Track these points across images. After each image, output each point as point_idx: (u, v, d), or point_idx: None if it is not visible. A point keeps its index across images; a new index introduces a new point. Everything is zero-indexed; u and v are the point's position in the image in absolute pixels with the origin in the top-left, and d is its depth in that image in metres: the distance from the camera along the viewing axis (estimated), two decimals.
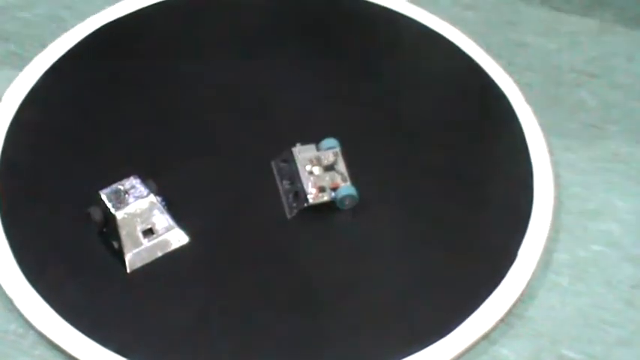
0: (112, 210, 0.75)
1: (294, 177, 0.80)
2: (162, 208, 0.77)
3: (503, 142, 0.85)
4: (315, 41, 0.92)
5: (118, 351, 0.72)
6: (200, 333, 0.74)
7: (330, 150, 0.81)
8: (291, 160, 0.81)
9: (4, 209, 0.79)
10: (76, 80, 0.88)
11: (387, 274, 0.77)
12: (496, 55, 0.91)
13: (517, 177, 0.83)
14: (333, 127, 0.84)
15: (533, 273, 0.78)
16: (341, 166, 0.81)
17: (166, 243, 0.78)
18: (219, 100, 0.87)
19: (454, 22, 0.93)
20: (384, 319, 0.75)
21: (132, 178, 0.78)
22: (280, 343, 0.73)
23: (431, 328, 0.74)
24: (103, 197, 0.76)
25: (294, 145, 0.81)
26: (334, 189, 0.80)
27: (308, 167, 0.80)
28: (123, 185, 0.77)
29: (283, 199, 0.80)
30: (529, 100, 0.88)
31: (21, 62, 0.89)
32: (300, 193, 0.80)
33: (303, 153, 0.81)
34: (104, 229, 0.77)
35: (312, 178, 0.80)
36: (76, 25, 0.92)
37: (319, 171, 0.80)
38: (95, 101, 0.86)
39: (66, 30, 0.91)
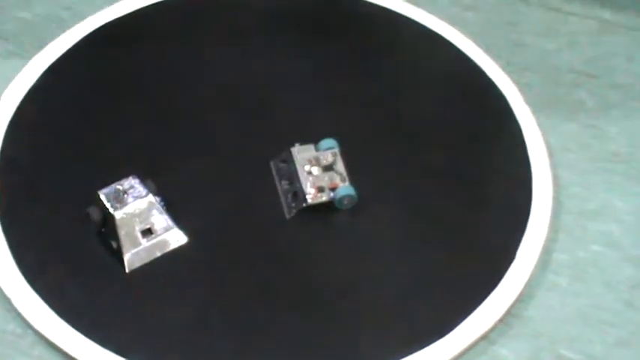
0: (111, 210, 0.75)
1: (292, 177, 0.80)
2: (161, 208, 0.77)
3: (502, 143, 0.85)
4: (314, 41, 0.92)
5: (117, 351, 0.72)
6: (199, 333, 0.74)
7: (329, 150, 0.81)
8: (290, 161, 0.81)
9: (3, 209, 0.79)
10: (75, 80, 0.88)
11: (385, 274, 0.77)
12: (495, 56, 0.91)
13: (516, 177, 0.83)
14: (332, 127, 0.84)
15: (532, 273, 0.78)
16: (340, 166, 0.81)
17: (165, 243, 0.77)
18: (218, 100, 0.87)
19: (453, 22, 0.93)
20: (383, 319, 0.75)
21: (131, 178, 0.78)
22: (280, 343, 0.73)
23: (430, 328, 0.74)
24: (102, 197, 0.76)
25: (293, 145, 0.81)
26: (333, 189, 0.80)
27: (307, 167, 0.80)
28: (122, 185, 0.77)
29: (282, 199, 0.80)
30: (528, 101, 0.88)
31: (20, 62, 0.89)
32: (298, 193, 0.80)
33: (302, 153, 0.81)
34: (103, 229, 0.77)
35: (310, 178, 0.80)
36: (75, 25, 0.92)
37: (318, 171, 0.80)
38: (94, 101, 0.86)
39: (65, 30, 0.92)
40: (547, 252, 0.80)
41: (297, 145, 0.81)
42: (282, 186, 0.81)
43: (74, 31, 0.91)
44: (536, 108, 0.88)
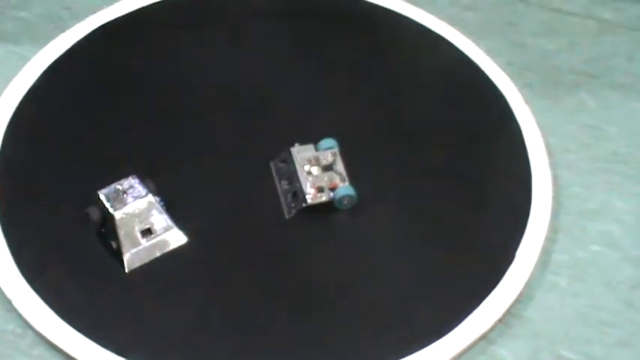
0: (111, 210, 0.75)
1: (292, 177, 0.80)
2: (160, 208, 0.77)
3: (501, 143, 0.85)
4: (313, 41, 0.92)
5: (117, 351, 0.72)
6: (199, 333, 0.74)
7: (329, 150, 0.81)
8: (289, 161, 0.81)
9: (3, 209, 0.79)
10: (75, 80, 0.88)
11: (385, 274, 0.77)
12: (495, 56, 0.91)
13: (516, 177, 0.83)
14: (332, 127, 0.84)
15: (532, 273, 0.78)
16: (339, 166, 0.81)
17: (165, 243, 0.77)
18: (217, 100, 0.87)
19: (453, 22, 0.93)
20: (382, 319, 0.75)
21: (130, 178, 0.78)
22: (280, 343, 0.73)
23: (429, 328, 0.74)
24: (102, 197, 0.76)
25: (292, 145, 0.81)
26: (333, 189, 0.80)
27: (306, 167, 0.80)
28: (121, 185, 0.77)
29: (282, 199, 0.80)
30: (528, 101, 0.88)
31: (20, 62, 0.89)
32: (298, 193, 0.80)
33: (301, 153, 0.81)
34: (102, 229, 0.77)
35: (310, 178, 0.80)
36: (74, 24, 0.92)
37: (318, 171, 0.80)
38: (94, 101, 0.86)
39: (65, 30, 0.91)
40: (547, 252, 0.80)
41: (296, 145, 0.81)
42: (281, 186, 0.81)
43: (74, 30, 0.91)
44: (536, 108, 0.88)
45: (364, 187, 0.80)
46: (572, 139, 0.87)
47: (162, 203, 0.78)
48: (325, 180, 0.80)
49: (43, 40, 0.91)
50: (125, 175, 0.78)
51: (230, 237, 0.79)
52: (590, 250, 0.80)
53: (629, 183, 0.84)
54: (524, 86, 0.89)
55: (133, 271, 0.76)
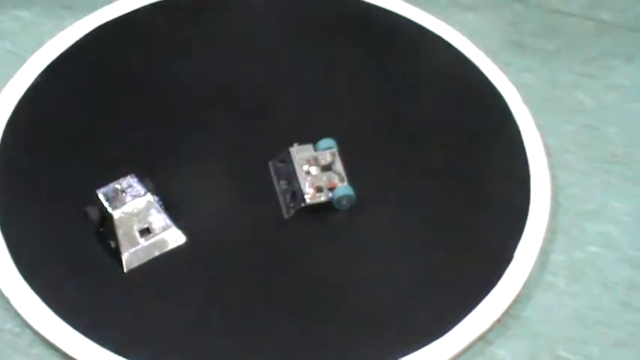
0: (109, 209, 0.75)
1: (291, 177, 0.80)
2: (159, 207, 0.77)
3: (500, 143, 0.85)
4: (313, 42, 0.92)
5: (116, 350, 0.72)
6: (198, 332, 0.74)
7: (328, 150, 0.81)
8: (288, 161, 0.81)
9: (1, 208, 0.79)
10: (74, 79, 0.88)
11: (384, 274, 0.77)
12: (494, 56, 0.91)
13: (514, 178, 0.83)
14: (331, 127, 0.84)
15: (530, 274, 0.78)
16: (338, 166, 0.81)
17: (163, 242, 0.77)
18: (216, 99, 0.87)
19: (452, 22, 0.93)
20: (380, 319, 0.75)
21: (129, 177, 0.77)
22: (279, 343, 0.73)
23: (427, 329, 0.74)
24: (100, 196, 0.76)
25: (291, 145, 0.81)
26: (332, 189, 0.80)
27: (305, 167, 0.80)
28: (120, 184, 0.77)
29: (280, 199, 0.80)
30: (527, 101, 0.88)
31: (18, 61, 0.89)
32: (297, 193, 0.80)
33: (300, 153, 0.81)
34: (101, 229, 0.77)
35: (309, 178, 0.80)
36: (73, 23, 0.92)
37: (316, 171, 0.80)
38: (92, 100, 0.86)
39: (63, 29, 0.91)
40: (545, 253, 0.80)
41: (295, 145, 0.81)
42: (280, 186, 0.81)
43: (73, 30, 0.91)
44: (535, 108, 0.88)
45: (363, 187, 0.80)
46: (570, 139, 0.87)
47: (160, 202, 0.78)
48: (324, 180, 0.80)
49: (41, 39, 0.91)
50: (124, 174, 0.78)
51: (228, 236, 0.79)
52: (588, 251, 0.80)
53: (628, 184, 0.84)
54: (523, 87, 0.89)
55: (132, 271, 0.76)
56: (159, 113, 0.86)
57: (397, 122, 0.86)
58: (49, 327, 0.73)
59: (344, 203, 0.80)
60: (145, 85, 0.87)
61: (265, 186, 0.81)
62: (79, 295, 0.75)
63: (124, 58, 0.89)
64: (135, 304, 0.75)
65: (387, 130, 0.86)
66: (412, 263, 0.78)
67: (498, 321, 0.76)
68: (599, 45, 0.94)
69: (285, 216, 0.80)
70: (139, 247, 0.76)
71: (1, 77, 0.88)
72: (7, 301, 0.75)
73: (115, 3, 0.93)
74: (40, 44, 0.90)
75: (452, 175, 0.83)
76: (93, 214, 0.76)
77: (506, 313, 0.76)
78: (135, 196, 0.76)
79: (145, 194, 0.77)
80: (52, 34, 0.91)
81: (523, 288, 0.77)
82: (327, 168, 0.81)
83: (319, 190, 0.80)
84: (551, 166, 0.84)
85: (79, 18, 0.92)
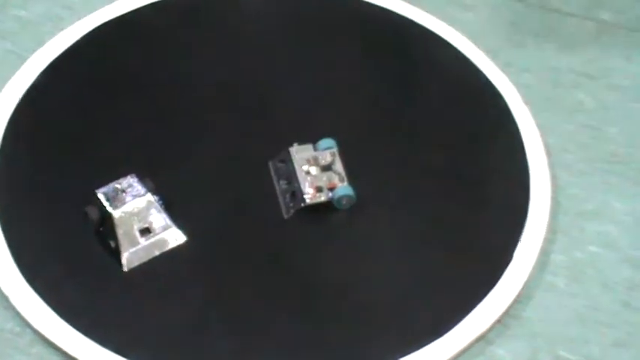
0: (109, 209, 0.75)
1: (291, 177, 0.80)
2: (159, 207, 0.77)
3: (500, 143, 0.85)
4: (313, 41, 0.92)
5: (116, 350, 0.72)
6: (197, 332, 0.74)
7: (328, 150, 0.81)
8: (288, 160, 0.81)
9: (2, 208, 0.79)
10: (74, 79, 0.88)
11: (384, 274, 0.77)
12: (494, 56, 0.91)
13: (514, 178, 0.83)
14: (331, 127, 0.84)
15: (530, 274, 0.78)
16: (338, 166, 0.81)
17: (163, 242, 0.77)
18: (216, 99, 0.87)
19: (452, 22, 0.93)
20: (380, 319, 0.75)
21: (129, 177, 0.78)
22: (280, 343, 0.73)
23: (427, 329, 0.74)
24: (100, 196, 0.76)
25: (291, 145, 0.81)
26: (331, 189, 0.80)
27: (305, 167, 0.80)
28: (120, 184, 0.77)
29: (280, 199, 0.80)
30: (527, 101, 0.88)
31: (18, 61, 0.89)
32: (297, 193, 0.80)
33: (300, 153, 0.81)
34: (101, 228, 0.77)
35: (309, 178, 0.80)
36: (73, 23, 0.92)
37: (316, 171, 0.80)
38: (93, 100, 0.86)
39: (63, 29, 0.91)
40: (545, 253, 0.80)
41: (295, 144, 0.81)
42: (280, 186, 0.81)
43: (73, 29, 0.91)
44: (535, 108, 0.88)
45: (363, 187, 0.80)
46: (570, 139, 0.87)
47: (160, 202, 0.78)
48: (324, 180, 0.80)
49: (41, 38, 0.91)
50: (124, 174, 0.78)
51: (229, 236, 0.79)
52: (588, 251, 0.80)
53: (628, 184, 0.84)
54: (523, 86, 0.89)
55: (132, 270, 0.76)
56: (159, 113, 0.86)
57: (397, 122, 0.86)
58: (49, 326, 0.73)
59: (344, 203, 0.80)
60: (145, 85, 0.87)
61: (265, 186, 0.81)
62: (79, 295, 0.75)
63: (123, 58, 0.89)
64: (135, 303, 0.75)
65: (387, 130, 0.86)
66: (412, 263, 0.78)
67: (498, 321, 0.76)
68: (599, 45, 0.94)
69: (285, 216, 0.80)
70: (139, 246, 0.76)
71: (1, 77, 0.88)
72: (7, 300, 0.75)
73: (114, 3, 0.93)
74: (40, 44, 0.90)
75: (452, 175, 0.83)
76: (93, 213, 0.76)
77: (506, 313, 0.76)
78: (135, 196, 0.76)
79: (145, 194, 0.77)
80: (52, 34, 0.91)
81: (523, 288, 0.77)
82: (327, 168, 0.81)
83: (319, 190, 0.80)
84: (551, 166, 0.84)
85: (79, 18, 0.92)
